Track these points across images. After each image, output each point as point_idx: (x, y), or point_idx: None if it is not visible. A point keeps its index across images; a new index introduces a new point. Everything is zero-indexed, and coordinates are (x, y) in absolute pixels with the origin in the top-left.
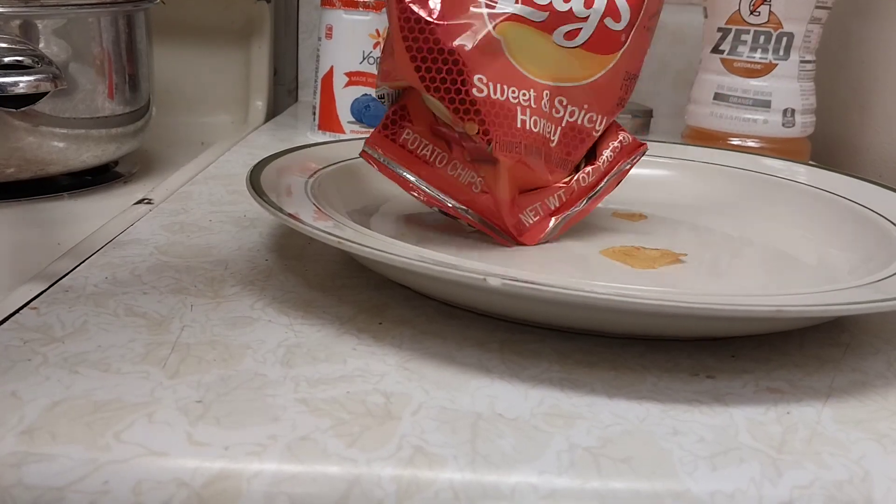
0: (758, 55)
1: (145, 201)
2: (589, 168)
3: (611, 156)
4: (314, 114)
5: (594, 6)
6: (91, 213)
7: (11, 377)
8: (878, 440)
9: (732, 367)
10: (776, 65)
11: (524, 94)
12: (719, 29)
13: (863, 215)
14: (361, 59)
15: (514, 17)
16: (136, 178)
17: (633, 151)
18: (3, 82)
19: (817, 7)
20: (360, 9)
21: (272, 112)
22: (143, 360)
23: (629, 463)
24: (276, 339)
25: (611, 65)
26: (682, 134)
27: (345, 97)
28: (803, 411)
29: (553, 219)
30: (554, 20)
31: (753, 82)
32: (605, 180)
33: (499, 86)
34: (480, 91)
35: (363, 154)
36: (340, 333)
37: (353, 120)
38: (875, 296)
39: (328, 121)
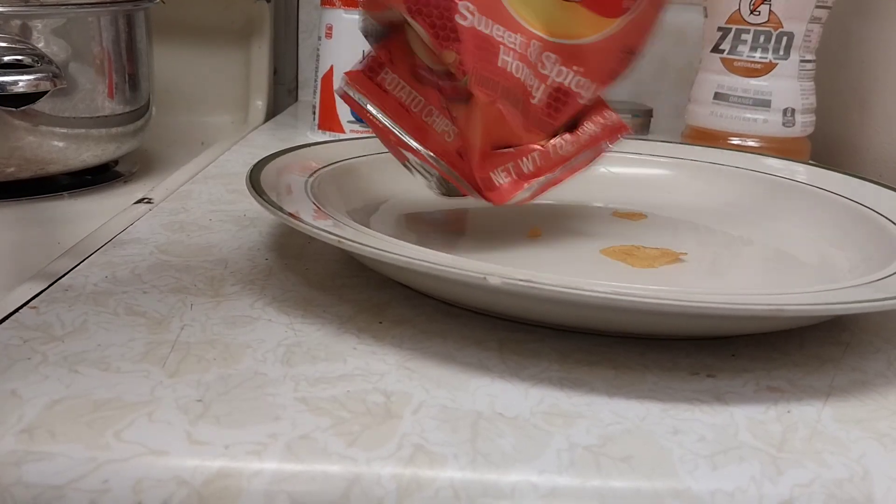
0: (758, 55)
1: (145, 200)
2: (568, 135)
3: (594, 130)
4: (314, 113)
5: None
6: (91, 213)
7: (11, 376)
8: (879, 439)
9: (733, 366)
10: (776, 64)
11: (511, 36)
12: (719, 28)
13: (863, 214)
14: (361, 59)
15: None
16: (136, 177)
17: (616, 132)
18: (3, 81)
19: (817, 6)
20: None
21: (272, 112)
22: (143, 358)
23: (629, 462)
24: (276, 338)
25: (610, 29)
26: (683, 133)
27: None
28: (803, 410)
29: (527, 183)
30: None
31: (753, 82)
32: (583, 154)
33: (485, 19)
34: (464, 18)
35: (340, 91)
36: (340, 332)
37: (353, 119)
38: (875, 294)
39: (328, 120)
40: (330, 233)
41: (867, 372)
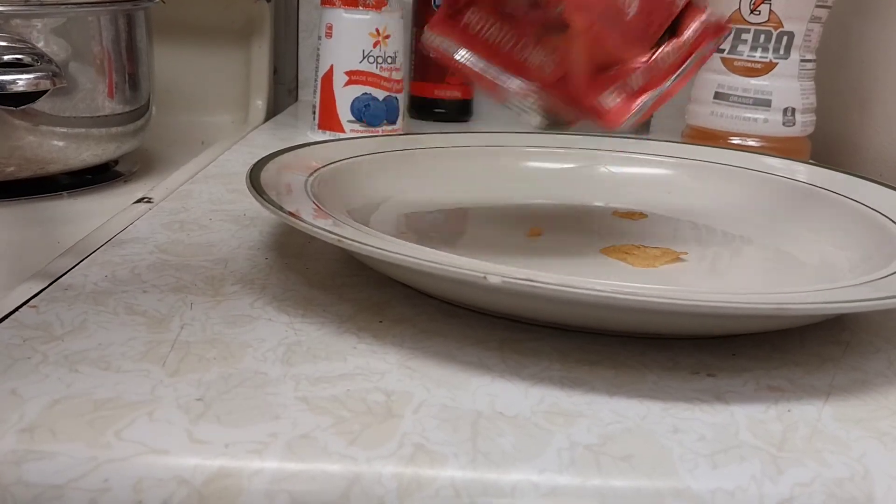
0: (758, 54)
1: (145, 200)
2: (671, 44)
3: (695, 33)
4: (314, 113)
5: None
6: (91, 212)
7: (11, 375)
8: (879, 438)
9: (733, 366)
10: (776, 64)
11: None
12: None
13: (863, 213)
14: (361, 58)
15: None
16: (136, 177)
17: (719, 32)
18: (3, 80)
19: (818, 6)
20: (361, 8)
21: (272, 111)
22: (143, 358)
23: (630, 461)
24: (277, 337)
25: None
26: (683, 133)
27: (345, 96)
28: (804, 409)
29: (638, 100)
30: None
31: (754, 81)
32: (690, 60)
33: None
34: None
35: (424, 42)
36: (341, 332)
37: (353, 119)
38: (875, 293)
39: (328, 120)
40: (330, 232)
41: (867, 371)
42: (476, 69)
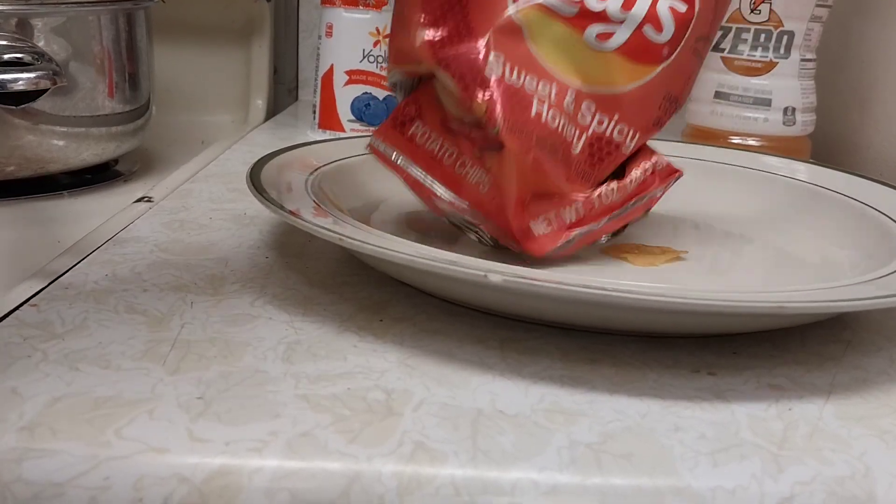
0: (758, 53)
1: (145, 199)
2: (614, 184)
3: (641, 176)
4: (314, 112)
5: (632, 11)
6: (91, 212)
7: (11, 374)
8: (880, 436)
9: (734, 364)
10: (777, 63)
11: (543, 86)
12: (720, 27)
13: (863, 212)
14: (362, 58)
15: (540, 7)
16: (136, 176)
17: (668, 178)
18: (3, 79)
19: (818, 5)
20: (361, 7)
21: (272, 111)
22: (143, 356)
23: (630, 459)
24: (277, 336)
25: (649, 76)
26: (683, 132)
27: (345, 95)
28: (805, 408)
29: (568, 233)
30: (585, 17)
31: (754, 81)
32: (632, 203)
33: (516, 70)
34: (493, 71)
35: (370, 146)
36: (341, 330)
37: (354, 118)
38: (877, 292)
39: (328, 119)
40: (331, 230)
41: (868, 370)
42: (415, 177)
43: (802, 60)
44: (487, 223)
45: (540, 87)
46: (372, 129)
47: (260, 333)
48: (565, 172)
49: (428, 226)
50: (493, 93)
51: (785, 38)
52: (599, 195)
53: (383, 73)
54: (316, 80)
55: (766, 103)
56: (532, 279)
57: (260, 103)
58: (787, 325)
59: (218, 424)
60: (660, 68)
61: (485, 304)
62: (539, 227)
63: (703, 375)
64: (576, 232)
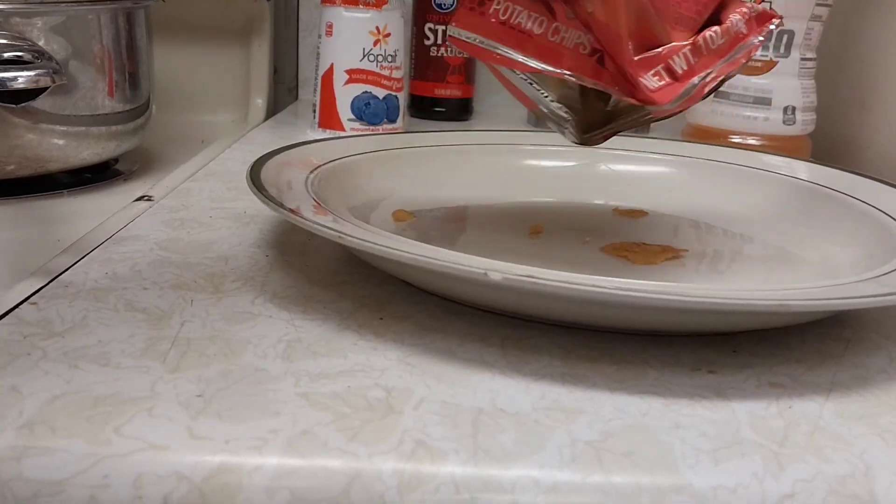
0: (758, 52)
1: (145, 198)
2: (717, 28)
3: (741, 21)
4: (314, 111)
5: None
6: (91, 211)
7: (11, 371)
8: (880, 435)
9: (734, 362)
10: (777, 62)
11: None
12: None
13: (863, 211)
14: (362, 57)
15: None
16: (136, 175)
17: (765, 21)
18: (3, 77)
19: (818, 4)
20: (361, 6)
21: (272, 110)
22: (143, 354)
23: (631, 457)
24: (277, 334)
25: None
26: (683, 131)
27: (345, 94)
28: (805, 406)
29: (684, 83)
30: None
31: (754, 80)
32: (737, 49)
33: None
34: None
35: (451, 38)
36: (341, 329)
37: (354, 117)
38: (877, 290)
39: (328, 118)
40: (331, 228)
41: (869, 368)
42: (504, 57)
43: (803, 59)
44: (594, 85)
45: None
46: (372, 128)
47: (260, 331)
48: (665, 16)
49: (428, 225)
50: None
51: (785, 37)
52: (705, 39)
53: (383, 72)
54: (316, 79)
55: (767, 102)
56: (532, 277)
57: (260, 102)
58: (787, 324)
59: (218, 422)
60: None
61: (485, 303)
62: (651, 82)
63: (704, 373)
64: (695, 78)
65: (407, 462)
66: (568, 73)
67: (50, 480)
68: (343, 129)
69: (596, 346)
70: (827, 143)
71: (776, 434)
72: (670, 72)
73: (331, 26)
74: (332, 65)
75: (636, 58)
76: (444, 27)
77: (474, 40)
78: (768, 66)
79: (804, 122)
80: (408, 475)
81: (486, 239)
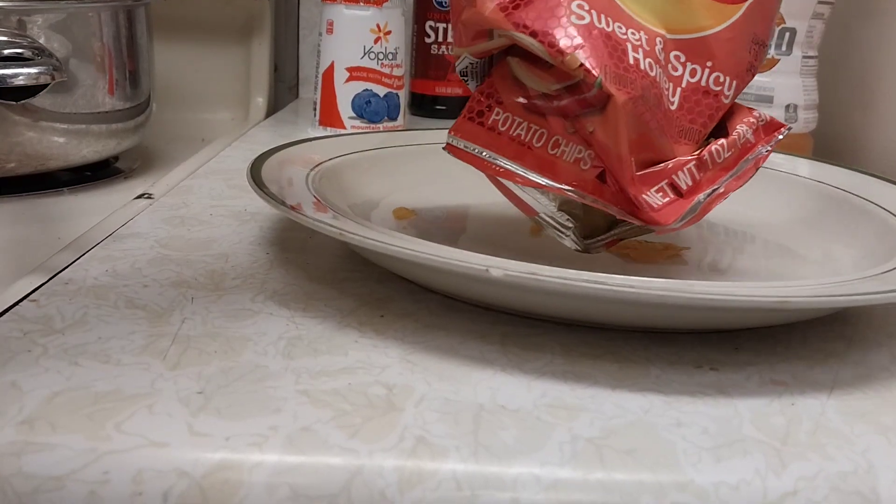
0: None
1: (145, 196)
2: (723, 141)
3: (748, 132)
4: (315, 109)
5: None
6: (91, 209)
7: (11, 368)
8: (883, 432)
9: (736, 360)
10: (778, 60)
11: (634, 34)
12: None
13: (865, 209)
14: (362, 54)
15: None
16: (136, 173)
17: (773, 131)
18: (3, 74)
19: (819, 2)
20: (361, 3)
21: (273, 108)
22: (143, 351)
23: (632, 454)
24: (277, 331)
25: (735, 16)
26: None
27: (346, 92)
28: (807, 403)
29: (694, 197)
30: None
31: (756, 77)
32: (745, 160)
33: (602, 16)
34: (580, 18)
35: (447, 146)
36: (342, 326)
37: (354, 115)
38: (879, 287)
39: (329, 116)
40: (332, 225)
41: (871, 366)
42: (503, 169)
43: (804, 58)
44: (594, 202)
45: (630, 33)
46: (372, 125)
47: (260, 329)
48: (668, 130)
49: (429, 223)
50: (584, 42)
51: (787, 34)
52: (711, 153)
53: (384, 69)
54: (317, 76)
55: (768, 100)
56: (533, 273)
57: (260, 101)
58: (789, 321)
59: (218, 419)
60: (745, 6)
61: (486, 300)
62: (654, 199)
63: (706, 371)
64: (701, 195)
65: (408, 459)
66: (568, 188)
67: (50, 476)
68: (344, 127)
69: (597, 343)
70: (829, 142)
71: (778, 431)
72: (675, 188)
73: (331, 24)
74: (332, 62)
75: (639, 173)
76: (444, 25)
77: (473, 150)
78: (770, 64)
79: (806, 120)
80: (408, 472)
81: (487, 237)
